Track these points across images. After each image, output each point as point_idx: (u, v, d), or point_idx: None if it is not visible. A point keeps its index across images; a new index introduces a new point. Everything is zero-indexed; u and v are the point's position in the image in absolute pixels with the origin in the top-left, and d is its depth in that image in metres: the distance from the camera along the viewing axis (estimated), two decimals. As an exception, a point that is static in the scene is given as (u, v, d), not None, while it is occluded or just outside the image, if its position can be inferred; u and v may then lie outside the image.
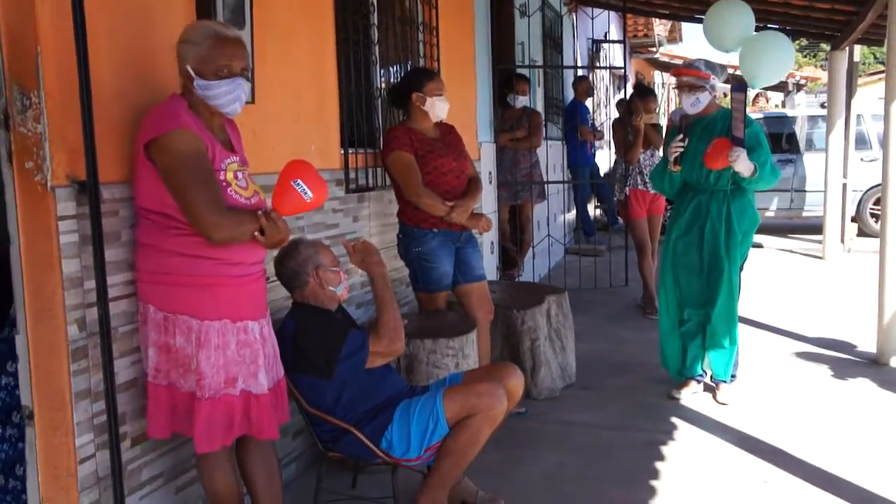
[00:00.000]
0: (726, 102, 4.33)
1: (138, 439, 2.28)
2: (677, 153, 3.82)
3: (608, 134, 8.04)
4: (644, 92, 6.00)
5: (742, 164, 3.58)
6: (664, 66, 16.24)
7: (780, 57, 4.35)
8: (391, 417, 2.56)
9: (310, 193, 2.16)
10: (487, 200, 5.52)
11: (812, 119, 9.93)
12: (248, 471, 2.39)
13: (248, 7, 2.79)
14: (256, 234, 2.14)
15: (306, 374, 2.51)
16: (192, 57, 2.13)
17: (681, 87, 3.87)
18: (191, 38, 2.15)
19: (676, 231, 3.95)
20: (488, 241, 5.61)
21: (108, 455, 2.06)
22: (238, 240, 2.12)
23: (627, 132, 5.95)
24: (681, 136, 3.82)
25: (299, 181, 2.15)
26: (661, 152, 4.97)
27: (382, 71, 4.11)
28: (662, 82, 16.69)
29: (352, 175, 3.60)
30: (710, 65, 3.87)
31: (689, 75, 3.83)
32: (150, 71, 2.31)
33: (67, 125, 2.00)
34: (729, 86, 4.17)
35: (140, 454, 2.30)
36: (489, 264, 5.37)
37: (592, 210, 9.24)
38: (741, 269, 3.90)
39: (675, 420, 3.73)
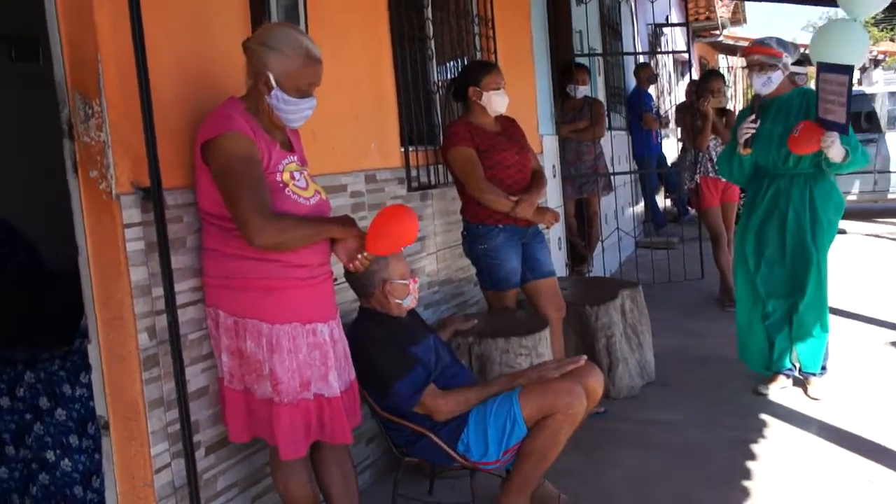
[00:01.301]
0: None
1: (213, 447, 2.30)
2: (748, 135, 3.65)
3: (674, 121, 7.86)
4: (711, 75, 5.82)
5: (835, 150, 3.43)
6: (728, 50, 15.78)
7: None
8: (466, 420, 2.54)
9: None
10: (552, 195, 5.46)
11: (893, 96, 9.51)
12: (323, 477, 2.39)
13: (303, 7, 2.79)
14: (342, 257, 2.26)
15: (366, 388, 2.52)
16: (278, 67, 2.12)
17: (751, 66, 3.72)
18: (278, 46, 2.12)
19: (754, 219, 3.81)
20: (555, 237, 5.55)
21: (184, 464, 2.08)
22: (285, 247, 2.10)
23: (695, 117, 5.79)
24: (752, 116, 3.66)
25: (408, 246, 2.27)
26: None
27: (439, 66, 4.09)
28: (728, 66, 16.25)
29: (413, 173, 3.60)
30: (781, 43, 3.71)
31: (761, 53, 3.67)
32: (208, 75, 2.33)
33: (129, 132, 2.03)
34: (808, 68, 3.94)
35: (215, 462, 2.31)
36: (557, 260, 5.30)
37: (662, 201, 9.05)
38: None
39: (764, 417, 3.60)
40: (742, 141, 3.67)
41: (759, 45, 3.72)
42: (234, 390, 2.17)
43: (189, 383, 2.16)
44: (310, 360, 2.17)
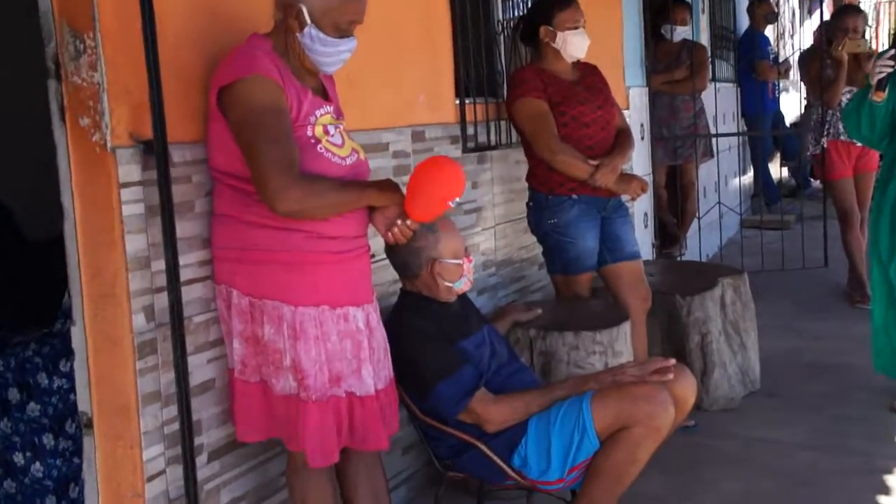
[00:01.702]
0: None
1: (218, 453, 2.30)
2: (883, 74, 3.46)
3: (797, 71, 7.62)
4: (848, 10, 5.57)
5: None
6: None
7: None
8: (525, 428, 2.52)
9: (458, 201, 2.26)
10: (639, 160, 5.42)
11: None
12: (349, 492, 2.40)
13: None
14: (380, 226, 2.27)
15: (404, 387, 2.53)
16: (315, 0, 2.12)
17: None
18: None
19: (892, 192, 3.67)
20: (641, 212, 5.51)
21: (182, 471, 2.08)
22: (313, 214, 2.09)
23: (825, 66, 5.59)
24: (892, 51, 3.47)
25: (457, 199, 2.24)
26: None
27: (504, 1, 4.07)
28: (873, 1, 15.63)
29: (469, 130, 3.58)
30: None
31: None
32: (226, 8, 2.32)
33: (129, 73, 2.02)
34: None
35: (219, 471, 2.32)
36: (643, 240, 5.26)
37: (776, 170, 8.83)
38: None
39: (901, 441, 3.54)
40: (875, 82, 3.49)
41: None
42: (248, 382, 2.18)
43: (192, 375, 2.16)
44: (340, 350, 2.17)
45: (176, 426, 2.10)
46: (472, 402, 2.49)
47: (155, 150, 1.99)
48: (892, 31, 3.89)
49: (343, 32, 2.16)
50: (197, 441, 2.19)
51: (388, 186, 2.23)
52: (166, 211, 2.01)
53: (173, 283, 2.03)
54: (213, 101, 2.10)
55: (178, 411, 2.07)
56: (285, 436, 2.20)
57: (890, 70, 3.47)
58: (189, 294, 2.17)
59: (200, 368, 2.24)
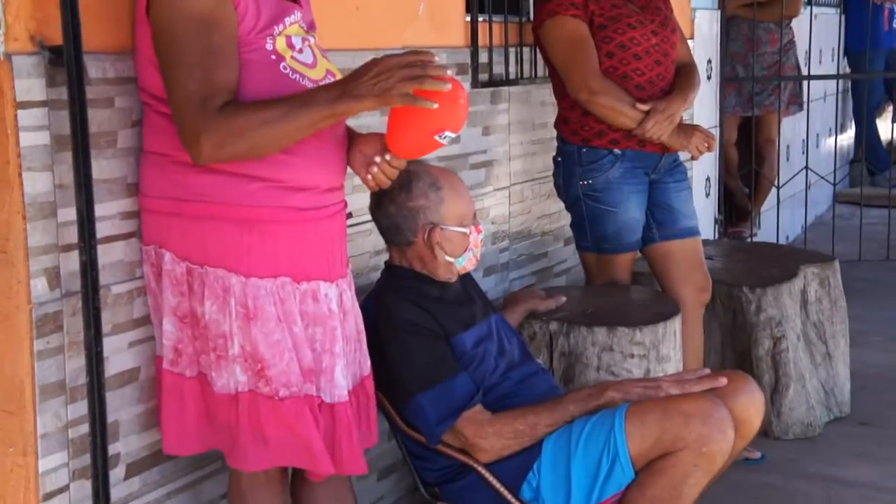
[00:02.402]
0: None
1: (139, 466, 2.31)
2: None
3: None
4: None
5: None
6: None
7: None
8: (539, 450, 2.56)
9: (452, 136, 2.19)
10: (704, 107, 5.44)
11: None
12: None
13: None
14: (359, 166, 2.28)
15: (382, 389, 2.56)
16: None
17: None
18: None
19: None
20: (703, 176, 5.54)
21: (91, 489, 2.08)
22: (244, 158, 2.08)
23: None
24: None
25: (447, 132, 2.15)
26: None
27: None
28: None
29: (482, 58, 3.59)
30: None
31: None
32: None
33: (34, -44, 2.01)
34: None
35: (140, 489, 2.33)
36: (704, 213, 5.28)
37: (888, 129, 8.82)
38: None
39: None
40: None
41: None
42: (181, 376, 2.19)
43: (108, 362, 2.17)
44: (307, 340, 2.19)
45: (85, 429, 2.10)
46: (461, 422, 2.52)
47: (65, 61, 1.98)
48: None
49: None
50: (112, 450, 2.18)
51: (346, 87, 2.06)
52: (79, 143, 2.00)
53: (87, 240, 2.02)
54: (141, 2, 2.09)
55: (88, 409, 2.08)
56: (227, 448, 2.22)
57: None
58: (107, 255, 2.17)
59: (120, 354, 2.24)
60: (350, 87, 2.05)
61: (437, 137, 2.15)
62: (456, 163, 3.42)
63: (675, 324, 3.28)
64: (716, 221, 5.84)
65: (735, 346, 3.96)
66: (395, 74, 2.01)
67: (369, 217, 2.75)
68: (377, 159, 2.25)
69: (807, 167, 6.55)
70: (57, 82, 2.03)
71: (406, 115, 2.13)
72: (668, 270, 3.62)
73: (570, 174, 3.56)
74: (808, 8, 6.65)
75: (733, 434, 2.52)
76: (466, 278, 2.80)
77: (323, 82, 2.21)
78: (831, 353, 4.11)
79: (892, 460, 3.77)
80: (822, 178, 7.00)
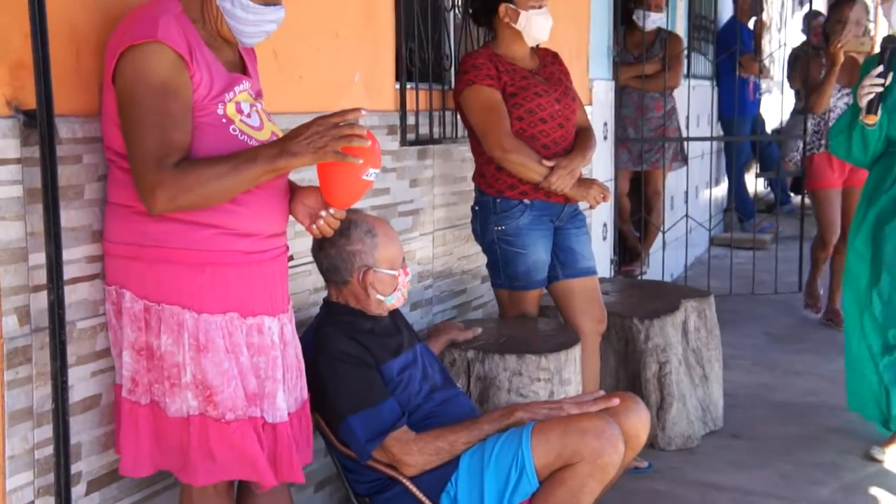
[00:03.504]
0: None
1: (99, 482, 2.26)
2: (872, 95, 3.58)
3: (782, 70, 7.78)
4: (847, 2, 5.62)
5: None
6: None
7: None
8: (457, 464, 2.55)
9: (376, 172, 2.19)
10: (601, 163, 5.48)
11: None
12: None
13: None
14: (303, 217, 2.28)
15: (319, 411, 2.55)
16: None
17: None
18: None
19: (873, 213, 3.79)
20: (600, 223, 5.56)
21: None
22: (194, 209, 2.06)
23: (818, 65, 5.77)
24: (879, 68, 3.59)
25: (371, 170, 2.16)
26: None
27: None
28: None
29: (410, 120, 3.58)
30: None
31: None
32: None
33: (10, 27, 1.97)
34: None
35: (100, 504, 2.29)
36: (601, 255, 5.30)
37: (753, 182, 9.00)
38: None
39: (876, 492, 3.59)
40: (864, 104, 3.60)
41: None
42: (137, 404, 2.16)
43: (72, 389, 2.13)
44: (252, 368, 2.17)
45: (49, 450, 2.06)
46: (389, 441, 2.51)
47: (38, 123, 1.95)
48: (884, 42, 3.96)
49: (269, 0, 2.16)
50: (74, 468, 2.15)
51: (286, 146, 2.05)
52: (49, 195, 1.97)
53: (55, 281, 1.99)
54: (109, 69, 2.07)
55: (53, 433, 2.03)
56: (177, 467, 2.18)
57: (880, 90, 3.56)
58: (73, 295, 2.14)
59: (83, 382, 2.20)
60: (288, 145, 2.07)
61: (364, 177, 2.15)
62: (387, 211, 3.40)
63: (576, 351, 3.28)
64: (611, 262, 5.86)
65: (627, 370, 3.97)
66: (326, 135, 2.04)
67: (310, 259, 2.74)
68: (322, 213, 2.26)
69: (687, 215, 6.62)
70: (30, 142, 2.01)
71: (335, 167, 2.14)
72: (569, 305, 3.61)
73: (486, 221, 3.56)
74: (687, 80, 6.74)
75: (624, 447, 2.54)
76: (395, 312, 2.79)
77: (268, 142, 2.20)
78: (707, 375, 4.13)
79: (759, 467, 3.79)
80: (700, 224, 7.08)
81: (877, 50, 4.16)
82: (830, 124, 5.55)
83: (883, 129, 3.67)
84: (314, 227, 2.29)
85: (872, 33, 6.91)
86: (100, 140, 2.17)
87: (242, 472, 2.18)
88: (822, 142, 5.72)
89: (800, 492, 3.58)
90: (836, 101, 5.66)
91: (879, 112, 3.59)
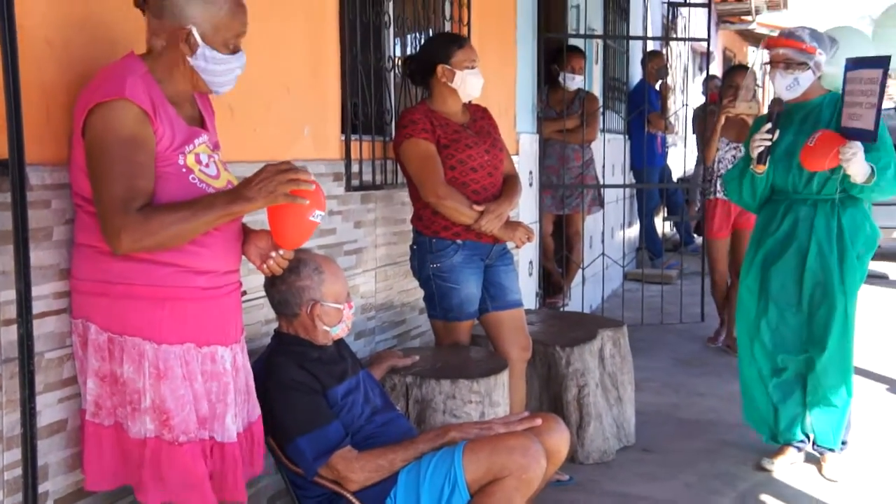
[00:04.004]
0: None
1: (64, 501, 2.21)
2: (762, 148, 3.68)
3: (685, 127, 7.95)
4: (740, 70, 5.87)
5: (857, 166, 3.41)
6: (762, 41, 16.04)
7: None
8: (395, 480, 2.53)
9: (322, 214, 2.20)
10: (527, 207, 5.50)
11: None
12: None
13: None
14: (254, 257, 2.29)
15: (269, 433, 2.52)
16: (204, 18, 2.11)
17: (775, 62, 3.72)
18: None
19: (762, 253, 3.86)
20: (526, 260, 5.58)
21: (22, 522, 2.00)
22: (161, 248, 2.06)
23: (712, 123, 5.91)
24: (768, 125, 3.69)
25: (317, 212, 2.18)
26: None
27: (396, 38, 4.10)
28: (761, 63, 16.52)
29: (354, 168, 3.58)
30: (816, 35, 3.69)
31: (788, 47, 3.67)
32: (102, 22, 2.27)
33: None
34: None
35: (66, 522, 2.24)
36: (527, 289, 5.32)
37: (661, 225, 9.14)
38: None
39: (766, 498, 3.64)
40: (754, 156, 3.70)
41: (788, 36, 3.70)
42: (100, 426, 2.13)
43: (40, 415, 2.09)
44: (205, 392, 2.16)
45: (18, 472, 2.01)
46: (334, 459, 2.50)
47: (10, 171, 1.91)
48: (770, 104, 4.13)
49: (233, 48, 2.17)
50: (42, 488, 2.10)
51: (240, 192, 2.09)
52: (20, 237, 1.94)
53: (24, 315, 1.95)
54: (78, 123, 2.05)
55: (21, 455, 1.98)
56: (136, 483, 2.15)
57: (768, 144, 3.65)
58: (42, 328, 2.10)
59: (50, 408, 2.16)
60: (242, 192, 2.09)
61: (311, 218, 2.17)
62: (333, 250, 3.40)
63: (504, 376, 3.28)
64: (536, 295, 5.87)
65: (549, 393, 3.97)
66: (274, 180, 2.07)
67: (262, 293, 2.72)
68: (273, 254, 2.28)
69: (603, 253, 6.66)
70: (3, 188, 1.98)
71: (284, 210, 2.16)
72: (498, 334, 3.61)
73: (423, 259, 3.56)
74: (603, 134, 6.81)
75: (546, 463, 2.56)
76: (340, 342, 2.77)
77: (224, 190, 2.19)
78: (621, 397, 4.15)
79: (667, 479, 3.81)
80: (615, 261, 7.16)
81: (765, 111, 4.29)
82: (720, 174, 5.73)
83: (769, 178, 3.77)
84: (265, 266, 2.30)
85: (760, 97, 7.13)
86: (68, 187, 2.14)
87: (188, 497, 2.15)
88: (714, 188, 5.87)
89: (700, 499, 3.61)
90: (723, 153, 5.84)
91: (767, 162, 3.70)
